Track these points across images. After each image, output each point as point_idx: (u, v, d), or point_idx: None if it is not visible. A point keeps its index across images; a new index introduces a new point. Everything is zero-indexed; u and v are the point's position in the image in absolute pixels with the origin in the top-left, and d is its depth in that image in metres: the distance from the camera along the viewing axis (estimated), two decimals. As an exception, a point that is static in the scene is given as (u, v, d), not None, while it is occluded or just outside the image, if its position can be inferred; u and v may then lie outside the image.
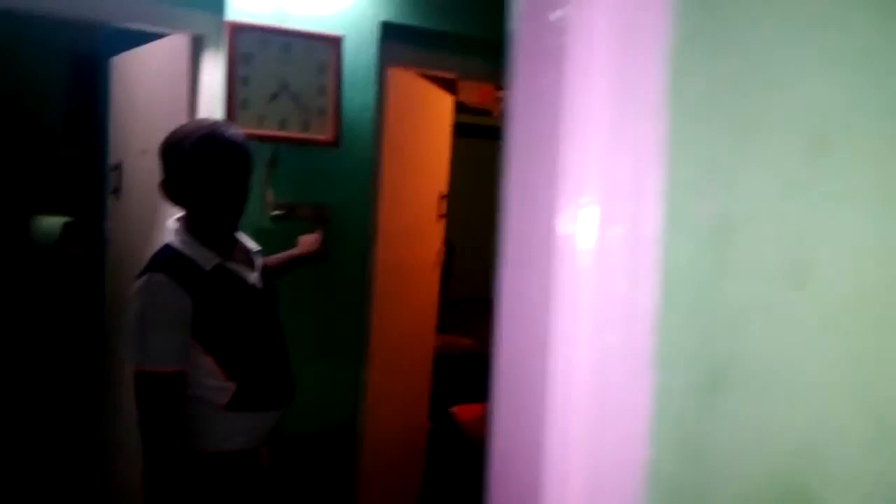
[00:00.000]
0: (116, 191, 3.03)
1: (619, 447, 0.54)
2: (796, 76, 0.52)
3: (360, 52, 2.65)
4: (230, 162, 1.69)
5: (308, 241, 2.50)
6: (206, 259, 1.68)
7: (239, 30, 2.43)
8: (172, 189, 1.72)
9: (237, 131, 1.72)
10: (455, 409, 2.09)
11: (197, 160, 1.65)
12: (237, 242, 1.85)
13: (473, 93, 4.54)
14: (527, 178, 0.55)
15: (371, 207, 2.83)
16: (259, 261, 1.87)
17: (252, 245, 1.91)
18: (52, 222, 4.59)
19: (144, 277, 1.62)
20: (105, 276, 3.30)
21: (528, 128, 0.55)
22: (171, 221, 1.76)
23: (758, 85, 0.52)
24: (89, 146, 3.99)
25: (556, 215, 0.52)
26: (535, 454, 0.55)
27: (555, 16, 0.49)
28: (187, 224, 1.73)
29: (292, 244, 2.50)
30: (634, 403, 0.53)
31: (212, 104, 2.53)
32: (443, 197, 3.53)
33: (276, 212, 2.58)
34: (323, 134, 2.59)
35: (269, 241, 2.49)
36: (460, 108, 3.88)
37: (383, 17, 2.68)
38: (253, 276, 1.79)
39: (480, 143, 4.42)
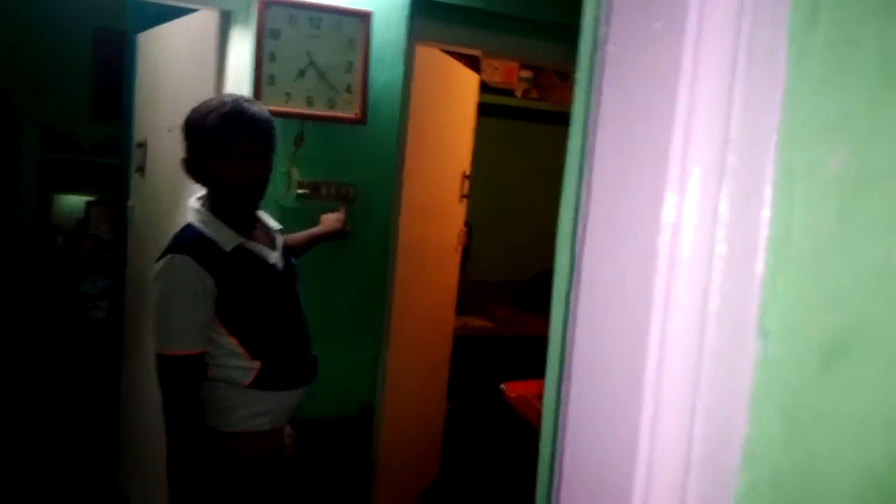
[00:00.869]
0: (141, 169, 3.01)
1: (716, 422, 0.51)
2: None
3: (389, 28, 2.62)
4: (253, 139, 1.66)
5: (330, 220, 2.50)
6: (228, 239, 1.67)
7: (268, 4, 2.40)
8: (194, 166, 1.70)
9: (261, 107, 1.70)
10: (505, 386, 2.08)
11: (220, 137, 1.63)
12: (259, 221, 1.83)
13: (496, 72, 4.49)
14: (626, 130, 0.52)
15: (395, 187, 2.80)
16: (280, 240, 1.85)
17: (273, 224, 1.89)
18: (75, 201, 4.59)
19: (165, 259, 1.61)
20: (127, 257, 3.29)
21: (632, 78, 0.52)
22: (192, 200, 1.74)
23: None
24: (114, 123, 3.97)
25: (660, 169, 0.49)
26: (622, 426, 0.53)
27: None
28: (209, 203, 1.72)
29: (316, 222, 2.49)
30: (735, 375, 0.51)
31: (239, 80, 2.51)
32: (465, 177, 3.50)
33: (301, 190, 2.57)
34: (350, 112, 2.56)
35: (294, 220, 2.48)
36: (481, 87, 3.84)
37: (412, -9, 2.64)
38: (274, 256, 1.78)
39: (499, 123, 4.40)
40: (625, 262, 0.53)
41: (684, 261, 0.49)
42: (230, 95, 1.72)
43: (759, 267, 0.50)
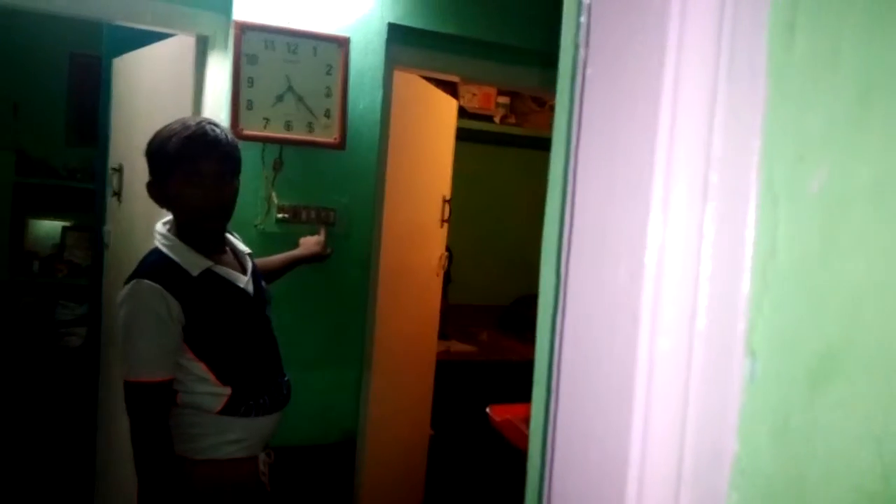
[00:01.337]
0: (117, 194, 2.98)
1: (705, 442, 0.51)
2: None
3: (367, 54, 2.63)
4: (217, 161, 1.65)
5: (310, 243, 2.48)
6: (194, 263, 1.65)
7: (245, 29, 2.40)
8: (158, 190, 1.68)
9: (224, 129, 1.69)
10: (490, 409, 2.07)
11: (182, 160, 1.61)
12: (227, 245, 1.81)
13: (474, 98, 4.53)
14: (609, 150, 0.52)
15: (375, 212, 2.80)
16: (250, 263, 1.83)
17: (243, 247, 1.87)
18: (50, 226, 4.53)
19: (131, 284, 1.59)
20: (103, 282, 3.25)
21: (613, 98, 0.52)
22: (159, 225, 1.72)
23: (885, 39, 0.49)
24: (90, 148, 3.93)
25: (644, 189, 0.49)
26: (613, 447, 0.52)
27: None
28: (175, 227, 1.70)
29: (296, 247, 2.47)
30: (723, 395, 0.51)
31: (217, 106, 2.50)
32: (446, 201, 3.51)
33: (281, 215, 2.55)
34: (328, 136, 2.56)
35: (274, 244, 2.47)
36: (459, 113, 3.86)
37: (391, 18, 2.65)
38: (244, 280, 1.75)
39: (478, 148, 4.42)
40: (611, 282, 0.52)
41: (670, 281, 0.49)
42: (193, 118, 1.70)
43: (745, 286, 0.50)
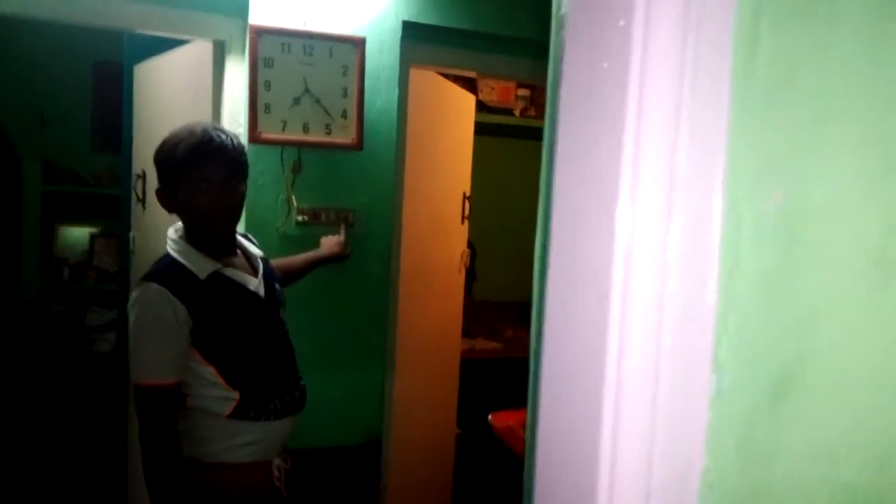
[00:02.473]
0: (142, 200, 3.03)
1: (674, 455, 0.51)
2: (882, 54, 0.48)
3: (382, 53, 2.63)
4: (223, 167, 1.65)
5: (330, 243, 2.48)
6: (202, 267, 1.66)
7: (261, 33, 2.42)
8: (167, 197, 1.70)
9: (230, 135, 1.69)
10: (492, 417, 2.06)
11: (189, 167, 1.63)
12: (239, 247, 1.82)
13: (493, 92, 4.51)
14: (580, 170, 0.53)
15: (394, 210, 2.81)
16: (262, 266, 1.84)
17: (255, 250, 1.88)
18: (79, 234, 4.61)
19: (139, 288, 1.61)
20: (130, 287, 3.30)
21: (583, 118, 0.52)
22: (171, 230, 1.74)
23: (837, 65, 0.49)
24: (115, 155, 3.99)
25: (611, 208, 0.49)
26: (585, 461, 0.53)
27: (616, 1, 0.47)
28: (184, 232, 1.72)
29: (316, 248, 2.49)
30: (691, 409, 0.51)
31: (235, 109, 2.53)
32: (466, 198, 3.50)
33: (301, 217, 2.57)
34: (346, 137, 2.57)
35: (294, 246, 2.49)
36: (479, 107, 3.85)
37: (405, 16, 2.66)
38: (254, 283, 1.75)
39: (499, 142, 4.40)
40: (582, 302, 0.52)
41: (637, 299, 0.49)
42: (200, 124, 1.70)
43: (710, 302, 0.50)
